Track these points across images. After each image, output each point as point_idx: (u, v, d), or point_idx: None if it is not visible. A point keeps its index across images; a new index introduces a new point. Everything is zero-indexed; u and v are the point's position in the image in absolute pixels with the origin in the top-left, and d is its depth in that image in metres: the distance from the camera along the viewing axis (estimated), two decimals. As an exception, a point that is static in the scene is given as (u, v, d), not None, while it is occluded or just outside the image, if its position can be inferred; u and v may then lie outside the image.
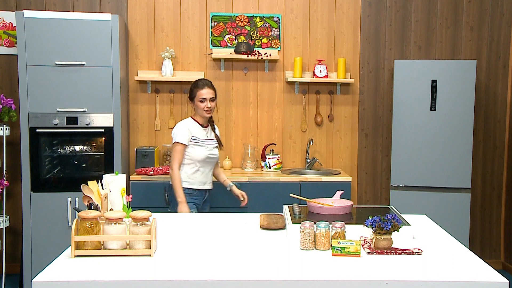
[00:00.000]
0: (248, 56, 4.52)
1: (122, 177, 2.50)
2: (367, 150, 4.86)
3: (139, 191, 4.11)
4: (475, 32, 4.78)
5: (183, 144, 3.55)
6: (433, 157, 4.40)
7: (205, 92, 3.60)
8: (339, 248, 2.18)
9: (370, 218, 2.26)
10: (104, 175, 2.48)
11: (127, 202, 2.43)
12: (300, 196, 3.00)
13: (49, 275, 1.95)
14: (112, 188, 2.45)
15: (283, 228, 2.64)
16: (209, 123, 3.75)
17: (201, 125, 3.66)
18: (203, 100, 3.60)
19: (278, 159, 4.60)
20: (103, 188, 2.43)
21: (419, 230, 2.60)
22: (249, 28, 4.66)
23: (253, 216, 2.92)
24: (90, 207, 2.34)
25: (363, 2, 4.73)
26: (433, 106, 4.37)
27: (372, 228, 2.25)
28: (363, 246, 2.29)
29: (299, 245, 2.30)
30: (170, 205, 3.65)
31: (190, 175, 3.60)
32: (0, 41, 4.48)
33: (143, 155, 4.40)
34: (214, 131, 3.75)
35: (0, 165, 4.24)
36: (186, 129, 3.58)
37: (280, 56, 4.70)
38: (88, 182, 2.39)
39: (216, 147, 3.73)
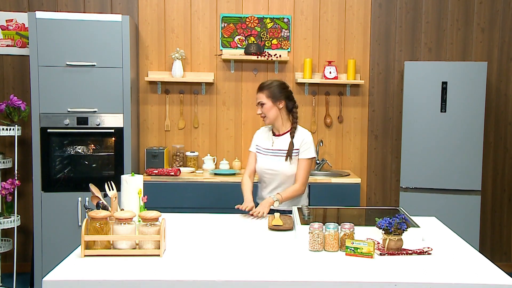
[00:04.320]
0: (258, 57, 4.52)
1: (139, 178, 2.49)
2: (376, 152, 4.85)
3: (149, 192, 4.10)
4: (486, 34, 4.75)
5: (250, 151, 3.28)
6: (443, 159, 4.38)
7: (256, 97, 3.18)
8: (353, 248, 2.19)
9: (382, 219, 2.25)
10: (122, 176, 2.47)
11: (143, 203, 2.43)
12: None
13: (59, 274, 1.97)
14: (129, 189, 2.44)
15: (292, 229, 2.65)
16: (291, 129, 3.17)
17: (274, 132, 3.23)
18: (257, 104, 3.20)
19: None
20: (110, 190, 2.43)
21: (428, 232, 2.60)
22: (259, 29, 4.66)
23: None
24: (98, 206, 2.35)
25: (374, 4, 4.72)
26: (443, 108, 4.35)
27: (387, 229, 2.23)
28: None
29: (308, 246, 2.30)
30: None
31: (259, 189, 3.29)
32: (12, 42, 4.53)
33: (153, 156, 4.42)
34: (292, 140, 3.12)
35: (12, 165, 4.28)
36: (256, 136, 3.30)
37: (290, 57, 4.70)
38: (90, 185, 2.40)
39: (286, 160, 3.10)
